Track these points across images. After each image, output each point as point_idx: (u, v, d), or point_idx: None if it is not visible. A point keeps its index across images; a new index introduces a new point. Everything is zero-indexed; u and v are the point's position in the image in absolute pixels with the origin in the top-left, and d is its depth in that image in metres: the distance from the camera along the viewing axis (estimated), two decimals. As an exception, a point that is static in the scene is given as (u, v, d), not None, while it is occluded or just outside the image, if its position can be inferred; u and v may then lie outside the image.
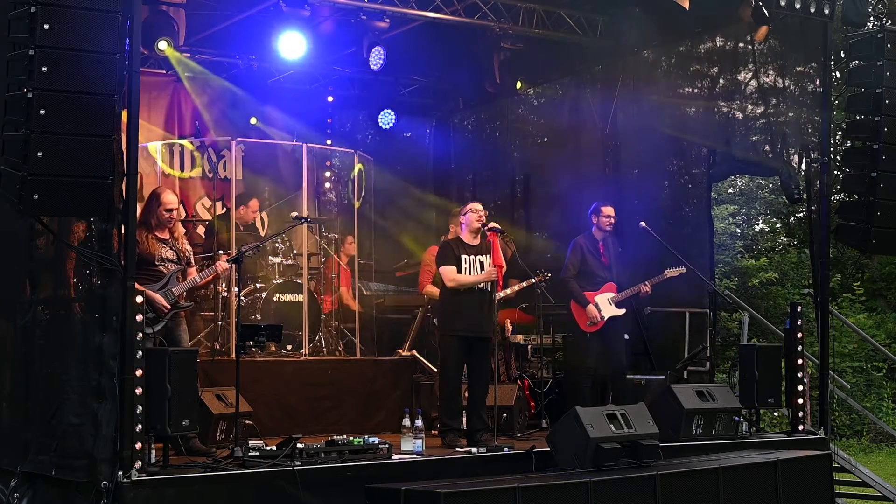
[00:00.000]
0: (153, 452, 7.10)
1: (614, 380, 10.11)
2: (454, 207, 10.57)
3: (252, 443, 7.60)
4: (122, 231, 6.83)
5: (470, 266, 8.93)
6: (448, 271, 8.90)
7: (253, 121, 12.98)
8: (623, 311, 10.04)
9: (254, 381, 9.47)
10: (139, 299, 6.90)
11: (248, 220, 11.87)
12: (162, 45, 10.65)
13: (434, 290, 10.18)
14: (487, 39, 11.50)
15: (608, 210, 10.19)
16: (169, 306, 8.15)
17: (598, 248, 10.11)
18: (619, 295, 10.03)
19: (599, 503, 7.24)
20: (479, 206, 9.13)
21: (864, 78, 9.50)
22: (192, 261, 8.70)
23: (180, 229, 8.63)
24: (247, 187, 12.54)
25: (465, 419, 9.02)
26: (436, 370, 10.31)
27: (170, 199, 8.44)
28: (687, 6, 9.75)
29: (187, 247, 8.62)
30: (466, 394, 9.87)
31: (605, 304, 10.00)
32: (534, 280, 10.24)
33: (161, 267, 8.29)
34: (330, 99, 13.89)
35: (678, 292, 10.65)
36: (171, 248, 8.40)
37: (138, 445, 6.75)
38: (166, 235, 8.41)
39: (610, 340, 9.99)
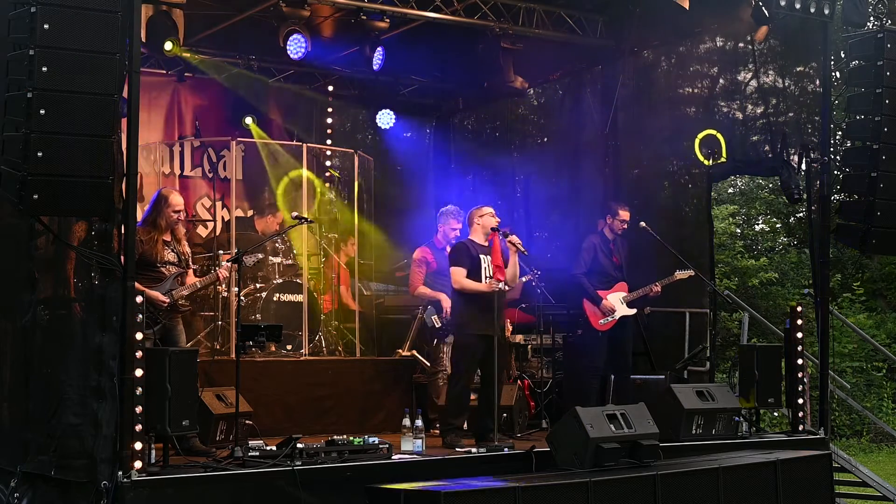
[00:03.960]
0: (153, 452, 7.10)
1: (618, 379, 10.13)
2: (445, 208, 10.60)
3: (252, 443, 7.61)
4: (122, 231, 6.83)
5: (487, 266, 8.98)
6: (458, 273, 8.93)
7: (248, 121, 12.96)
8: (634, 310, 10.08)
9: (254, 381, 9.47)
10: (139, 299, 6.90)
11: (271, 229, 11.85)
12: (168, 45, 10.69)
13: (427, 291, 10.19)
14: (487, 39, 11.50)
15: (625, 214, 10.16)
16: (167, 300, 8.15)
17: (610, 247, 10.13)
18: (631, 294, 10.05)
19: (599, 503, 7.25)
20: (492, 209, 9.19)
21: (864, 78, 9.49)
22: (191, 262, 8.71)
23: (182, 230, 8.64)
24: (247, 187, 12.54)
25: (467, 420, 9.05)
26: (430, 367, 10.34)
27: (177, 200, 8.44)
28: (687, 6, 9.75)
29: (187, 249, 8.63)
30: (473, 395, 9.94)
31: (616, 304, 10.02)
32: (523, 279, 10.31)
33: (163, 269, 8.30)
34: (330, 99, 13.90)
35: (678, 292, 10.66)
36: (172, 251, 8.41)
37: (138, 445, 6.75)
38: (170, 237, 8.42)
39: (619, 340, 10.03)
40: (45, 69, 6.33)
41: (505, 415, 9.63)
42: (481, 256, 8.97)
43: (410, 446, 8.24)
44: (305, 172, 11.91)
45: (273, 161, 12.36)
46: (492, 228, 9.05)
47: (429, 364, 10.42)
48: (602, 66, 12.62)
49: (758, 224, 23.81)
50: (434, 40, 11.94)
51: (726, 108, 11.86)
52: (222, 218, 11.89)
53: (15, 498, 7.34)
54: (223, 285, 10.33)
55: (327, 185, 13.65)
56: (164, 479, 6.82)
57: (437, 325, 10.05)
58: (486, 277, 8.94)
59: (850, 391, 15.97)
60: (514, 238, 8.93)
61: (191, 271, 8.63)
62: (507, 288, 8.99)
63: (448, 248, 10.31)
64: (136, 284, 7.01)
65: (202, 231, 12.02)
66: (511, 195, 13.72)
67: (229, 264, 8.75)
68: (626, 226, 10.17)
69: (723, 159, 11.02)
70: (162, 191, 8.67)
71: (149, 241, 8.13)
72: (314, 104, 13.92)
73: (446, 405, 9.09)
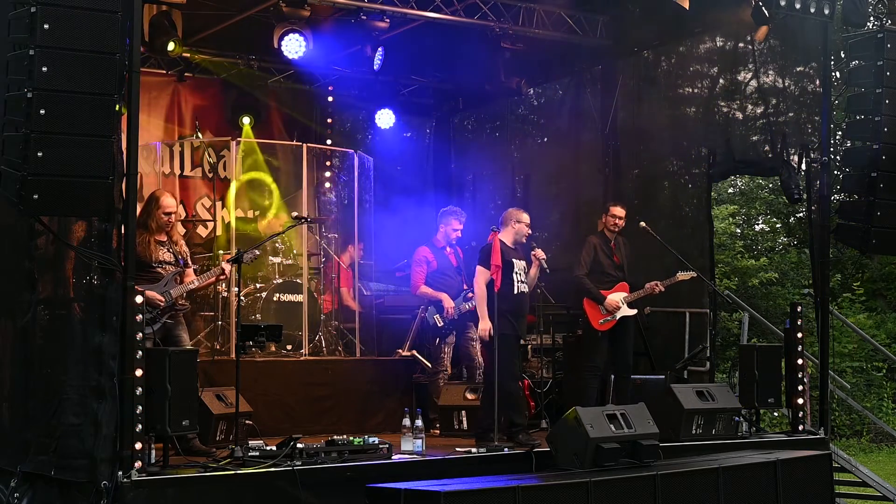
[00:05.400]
0: (153, 452, 7.10)
1: (619, 379, 10.13)
2: (446, 208, 10.61)
3: (252, 443, 7.60)
4: (122, 231, 6.83)
5: (520, 271, 9.03)
6: (480, 273, 8.93)
7: (245, 121, 12.95)
8: (635, 311, 10.05)
9: (254, 381, 9.47)
10: (139, 299, 6.90)
11: (274, 229, 11.81)
12: (171, 45, 10.72)
13: (429, 291, 10.18)
14: (487, 39, 11.50)
15: (616, 210, 10.10)
16: (163, 299, 8.13)
17: (611, 246, 10.10)
18: (632, 295, 10.02)
19: (599, 503, 7.25)
20: (528, 218, 9.24)
21: (864, 78, 9.49)
22: (189, 262, 8.70)
23: (179, 231, 8.62)
24: (247, 187, 12.53)
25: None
26: (431, 367, 10.33)
27: (168, 202, 8.43)
28: (687, 6, 9.74)
29: (184, 248, 8.62)
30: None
31: (618, 302, 9.99)
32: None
33: (159, 269, 8.29)
34: (330, 99, 13.89)
35: (678, 292, 10.65)
36: (168, 251, 8.40)
37: (138, 445, 6.75)
38: (164, 238, 8.40)
39: (619, 340, 10.01)
40: (45, 69, 6.33)
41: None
42: (514, 261, 8.99)
43: (410, 446, 8.24)
44: (305, 172, 11.90)
45: (244, 161, 12.33)
46: (492, 229, 9.06)
47: (429, 364, 10.42)
48: (602, 66, 12.62)
49: (758, 224, 23.81)
50: (434, 40, 11.94)
51: (726, 108, 11.85)
52: (222, 219, 11.89)
53: (15, 498, 7.34)
54: (222, 285, 10.34)
55: (327, 184, 13.67)
56: (164, 479, 6.82)
57: (438, 325, 10.05)
58: (519, 281, 8.98)
59: (850, 391, 15.97)
60: (539, 252, 9.09)
61: (190, 270, 8.62)
62: (527, 290, 9.12)
63: (448, 249, 10.34)
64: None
65: (202, 231, 12.02)
66: (511, 195, 13.73)
67: (227, 262, 8.74)
68: (619, 222, 10.08)
69: None
70: (154, 192, 8.68)
71: (141, 243, 8.09)
72: (314, 104, 13.91)
73: (511, 409, 8.89)
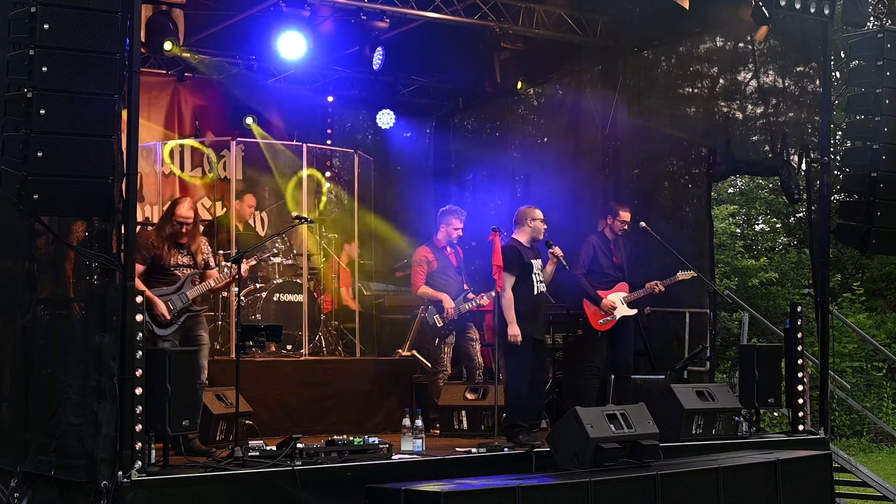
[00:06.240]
0: (153, 452, 7.10)
1: (619, 379, 10.13)
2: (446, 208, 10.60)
3: (252, 443, 7.61)
4: (122, 231, 6.83)
5: (539, 271, 9.01)
6: (507, 280, 8.85)
7: (248, 121, 12.97)
8: (635, 311, 10.05)
9: (254, 381, 9.48)
10: (139, 299, 6.90)
11: (245, 216, 11.87)
12: (167, 45, 10.73)
13: (429, 291, 10.17)
14: (487, 39, 11.51)
15: (625, 215, 10.11)
16: (169, 317, 8.12)
17: (610, 247, 10.11)
18: (632, 295, 10.02)
19: (599, 503, 7.25)
20: (541, 213, 9.17)
21: (864, 78, 9.49)
22: (212, 264, 8.67)
23: (200, 236, 8.63)
24: (247, 187, 12.54)
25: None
26: (431, 367, 10.33)
27: (184, 212, 8.35)
28: (687, 6, 9.74)
29: (204, 249, 8.57)
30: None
31: (617, 303, 10.00)
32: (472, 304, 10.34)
33: (177, 272, 8.30)
34: (330, 99, 13.89)
35: (678, 292, 10.65)
36: (187, 254, 8.40)
37: (138, 445, 6.75)
38: (184, 240, 8.39)
39: (619, 340, 10.01)
40: (45, 69, 6.33)
41: (505, 415, 9.63)
42: (532, 262, 8.98)
43: (410, 446, 8.25)
44: (306, 172, 11.90)
45: (277, 160, 12.37)
46: (493, 228, 9.04)
47: (429, 364, 10.41)
48: (602, 66, 12.62)
49: (758, 224, 23.82)
50: (434, 40, 11.94)
51: (726, 108, 11.85)
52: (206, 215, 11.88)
53: (15, 498, 7.35)
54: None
55: (331, 184, 13.66)
56: (164, 479, 6.82)
57: (438, 325, 10.05)
58: (538, 282, 8.96)
59: (850, 391, 15.97)
60: (556, 250, 9.08)
61: (212, 272, 8.56)
62: (545, 289, 9.12)
63: (448, 248, 10.33)
64: (145, 290, 7.04)
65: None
66: (511, 195, 13.72)
67: (225, 262, 8.74)
68: (626, 227, 10.15)
69: None
70: (178, 198, 8.74)
71: (158, 246, 8.18)
72: (314, 104, 13.91)
73: (510, 408, 8.91)
